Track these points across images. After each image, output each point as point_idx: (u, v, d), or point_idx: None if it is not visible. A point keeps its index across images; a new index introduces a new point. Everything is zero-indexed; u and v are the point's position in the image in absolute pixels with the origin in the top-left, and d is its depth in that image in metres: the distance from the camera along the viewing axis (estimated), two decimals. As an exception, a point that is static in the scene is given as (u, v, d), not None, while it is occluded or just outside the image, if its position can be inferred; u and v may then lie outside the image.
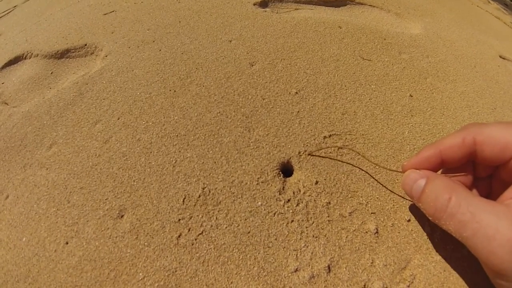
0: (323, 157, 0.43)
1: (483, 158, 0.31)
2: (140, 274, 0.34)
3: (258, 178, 0.40)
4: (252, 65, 0.57)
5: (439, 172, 0.36)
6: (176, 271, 0.34)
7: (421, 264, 0.35)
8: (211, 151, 0.43)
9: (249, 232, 0.36)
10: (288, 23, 0.69)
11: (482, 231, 0.25)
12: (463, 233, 0.27)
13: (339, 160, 0.43)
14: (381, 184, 0.41)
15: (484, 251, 0.25)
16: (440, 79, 0.60)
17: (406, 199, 0.40)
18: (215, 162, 0.42)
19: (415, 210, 0.39)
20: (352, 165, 0.42)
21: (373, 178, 0.41)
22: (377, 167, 0.42)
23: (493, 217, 0.25)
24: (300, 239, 0.36)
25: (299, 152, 0.43)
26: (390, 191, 0.40)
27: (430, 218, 0.31)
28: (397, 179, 0.42)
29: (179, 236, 0.36)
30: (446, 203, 0.28)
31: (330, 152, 0.44)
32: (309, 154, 0.43)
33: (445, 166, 0.34)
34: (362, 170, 0.42)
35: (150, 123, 0.48)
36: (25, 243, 0.38)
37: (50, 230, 0.38)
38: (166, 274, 0.34)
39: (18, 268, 0.36)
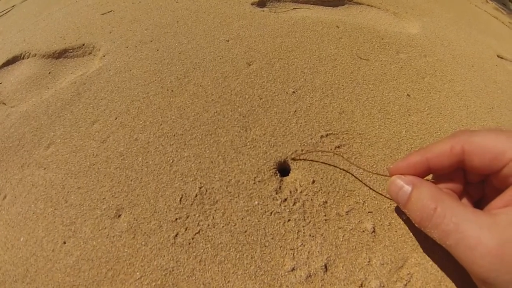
0: (308, 160, 0.43)
1: (472, 167, 0.30)
2: (138, 273, 0.34)
3: (255, 177, 0.41)
4: (250, 65, 0.57)
5: (430, 176, 0.36)
6: (173, 270, 0.34)
7: (418, 263, 0.35)
8: (208, 151, 0.43)
9: (246, 231, 0.36)
10: (285, 23, 0.69)
11: (465, 241, 0.26)
12: (446, 242, 0.27)
13: (324, 163, 0.42)
14: (373, 189, 0.41)
15: (467, 260, 0.26)
16: (438, 79, 0.60)
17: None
18: (212, 162, 0.42)
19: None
20: (334, 166, 0.42)
21: (371, 173, 0.41)
22: (363, 171, 0.42)
23: (475, 228, 0.25)
24: (297, 238, 0.36)
25: (296, 151, 0.43)
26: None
27: (416, 225, 0.31)
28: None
29: (176, 236, 0.36)
30: (431, 213, 0.28)
31: (327, 155, 0.44)
32: (292, 159, 0.42)
33: (432, 173, 0.34)
34: (346, 171, 0.42)
35: (148, 123, 0.48)
36: (22, 243, 0.38)
37: (47, 230, 0.38)
38: (163, 273, 0.34)
39: (16, 268, 0.36)
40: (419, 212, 0.30)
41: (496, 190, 0.31)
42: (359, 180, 0.41)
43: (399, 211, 0.39)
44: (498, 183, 0.30)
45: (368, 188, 0.40)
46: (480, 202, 0.34)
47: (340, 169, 0.42)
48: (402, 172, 0.34)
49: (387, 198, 0.40)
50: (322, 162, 0.42)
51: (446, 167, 0.32)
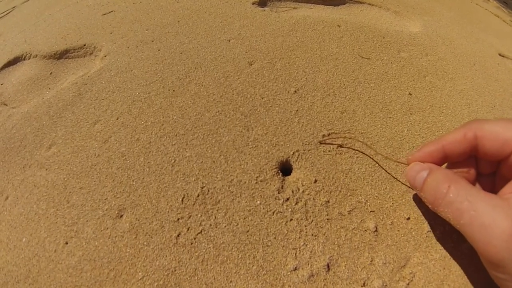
0: (332, 144, 0.44)
1: (484, 153, 0.31)
2: (140, 273, 0.34)
3: (257, 177, 0.40)
4: (251, 64, 0.57)
5: (444, 166, 0.36)
6: (175, 270, 0.34)
7: (421, 262, 0.35)
8: (210, 150, 0.43)
9: (248, 231, 0.36)
10: (287, 22, 0.68)
11: (479, 220, 0.26)
12: (460, 220, 0.27)
13: (349, 147, 0.43)
14: (389, 173, 0.41)
15: (480, 240, 0.26)
16: (439, 77, 0.60)
17: (405, 198, 0.40)
18: (214, 161, 0.42)
19: (414, 208, 0.39)
20: (359, 151, 0.43)
21: (381, 166, 0.41)
22: (385, 159, 0.43)
23: (490, 208, 0.26)
24: (299, 237, 0.36)
25: (298, 150, 0.43)
26: (394, 182, 0.40)
27: (430, 206, 0.32)
28: (398, 176, 0.42)
29: (178, 236, 0.36)
30: (445, 191, 0.29)
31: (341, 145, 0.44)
32: (320, 142, 0.44)
33: (448, 160, 0.35)
34: (370, 157, 0.42)
35: (149, 123, 0.48)
36: (25, 244, 0.38)
37: (49, 231, 0.38)
38: (166, 273, 0.34)
39: (18, 268, 0.36)
40: (433, 191, 0.31)
41: (505, 182, 0.32)
42: (381, 167, 0.42)
43: (412, 206, 0.39)
44: (507, 171, 0.31)
45: (370, 187, 0.40)
46: None
47: (363, 153, 0.43)
48: (420, 160, 0.35)
49: (390, 197, 0.40)
50: (348, 147, 0.44)
51: (461, 153, 0.33)
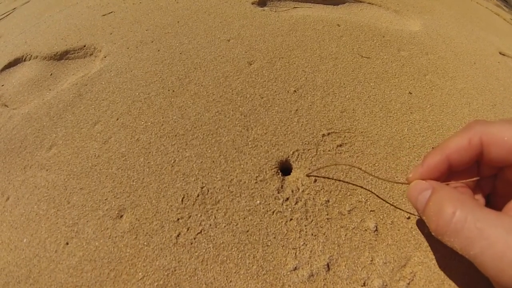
0: (322, 177, 0.41)
1: (489, 159, 0.29)
2: (140, 273, 0.34)
3: (257, 176, 0.40)
4: (251, 64, 0.57)
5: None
6: (175, 270, 0.34)
7: (421, 262, 0.35)
8: (209, 151, 0.43)
9: (248, 231, 0.36)
10: (286, 22, 0.68)
11: (492, 249, 0.23)
12: (471, 251, 0.24)
13: (339, 180, 0.41)
14: (383, 178, 0.41)
15: (494, 270, 0.23)
16: (440, 76, 0.60)
17: (406, 197, 0.39)
18: (213, 161, 0.42)
19: (414, 207, 0.38)
20: (352, 183, 0.41)
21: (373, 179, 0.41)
22: (383, 181, 0.41)
23: (502, 232, 0.23)
24: (299, 237, 0.36)
25: (297, 150, 0.43)
26: (392, 185, 0.40)
27: (433, 234, 0.28)
28: (398, 176, 0.42)
29: (178, 236, 0.36)
30: (449, 218, 0.26)
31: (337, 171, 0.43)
32: (307, 175, 0.41)
33: (452, 170, 0.32)
34: (363, 188, 0.42)
35: (149, 123, 0.48)
36: (26, 244, 0.38)
37: (50, 231, 0.38)
38: (166, 273, 0.34)
39: (19, 269, 0.36)
40: (435, 217, 0.27)
41: (507, 185, 0.30)
42: (379, 197, 0.40)
43: (412, 206, 0.38)
44: None
45: (370, 187, 0.40)
46: (490, 197, 0.33)
47: (356, 185, 0.41)
48: (424, 177, 0.32)
49: (390, 196, 0.40)
50: (337, 180, 0.41)
51: (466, 162, 0.30)
